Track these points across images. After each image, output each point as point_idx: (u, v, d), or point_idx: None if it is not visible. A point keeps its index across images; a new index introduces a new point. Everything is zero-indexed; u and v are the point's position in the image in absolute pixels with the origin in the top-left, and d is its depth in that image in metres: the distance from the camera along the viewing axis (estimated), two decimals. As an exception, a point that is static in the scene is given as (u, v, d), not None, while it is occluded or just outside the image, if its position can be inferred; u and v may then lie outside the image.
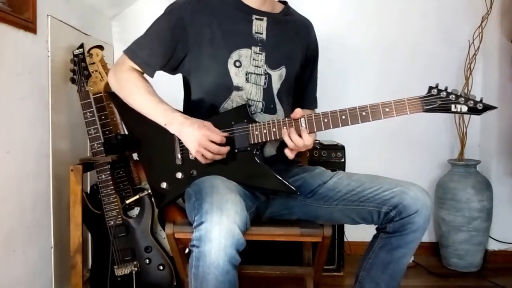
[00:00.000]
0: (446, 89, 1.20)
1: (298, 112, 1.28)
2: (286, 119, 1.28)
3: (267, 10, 1.43)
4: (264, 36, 1.41)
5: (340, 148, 2.16)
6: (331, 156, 2.14)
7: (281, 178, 1.30)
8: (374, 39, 2.49)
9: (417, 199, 1.24)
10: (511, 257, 2.41)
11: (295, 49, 1.47)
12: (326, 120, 1.26)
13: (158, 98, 1.35)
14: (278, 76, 1.42)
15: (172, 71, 1.45)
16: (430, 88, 1.21)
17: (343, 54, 2.47)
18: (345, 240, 2.28)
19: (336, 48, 2.42)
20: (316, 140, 2.21)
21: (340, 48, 2.45)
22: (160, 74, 1.43)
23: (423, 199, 1.24)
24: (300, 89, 1.55)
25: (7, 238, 1.47)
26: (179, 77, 1.50)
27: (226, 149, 1.27)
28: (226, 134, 1.28)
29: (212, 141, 1.25)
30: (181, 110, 1.45)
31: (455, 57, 2.44)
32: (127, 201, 1.68)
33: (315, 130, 1.27)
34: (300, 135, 1.27)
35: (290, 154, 1.30)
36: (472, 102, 1.18)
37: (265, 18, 1.41)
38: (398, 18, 2.49)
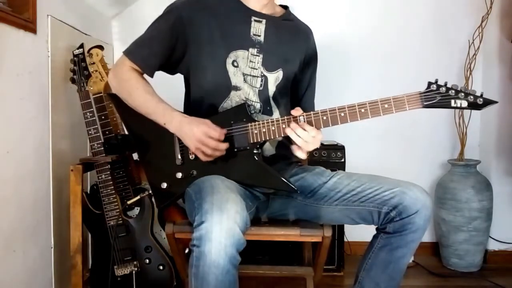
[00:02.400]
0: (445, 84, 1.18)
1: (298, 109, 1.28)
2: (285, 117, 1.28)
3: (267, 12, 1.42)
4: (262, 38, 1.40)
5: (340, 148, 2.16)
6: (331, 156, 2.14)
7: (281, 177, 1.31)
8: (374, 39, 2.49)
9: (417, 199, 1.24)
10: (511, 257, 2.41)
11: (293, 53, 1.47)
12: (325, 117, 1.25)
13: (158, 98, 1.35)
14: (274, 79, 1.42)
15: (171, 70, 1.45)
16: (429, 83, 1.19)
17: (343, 54, 2.47)
18: (345, 240, 2.28)
19: (336, 48, 2.42)
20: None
21: (340, 48, 2.45)
22: (159, 75, 1.43)
23: (423, 199, 1.24)
24: (298, 95, 1.55)
25: (7, 238, 1.47)
26: (178, 77, 1.50)
27: (225, 145, 1.27)
28: (225, 130, 1.28)
29: (210, 137, 1.25)
30: (181, 110, 1.45)
31: (455, 57, 2.44)
32: (128, 202, 1.68)
33: None
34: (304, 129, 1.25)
35: (302, 155, 1.28)
36: (472, 97, 1.17)
37: (264, 21, 1.41)
38: (398, 18, 2.49)
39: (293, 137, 1.26)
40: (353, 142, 2.28)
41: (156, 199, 1.42)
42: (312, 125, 1.26)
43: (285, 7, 1.51)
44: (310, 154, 2.11)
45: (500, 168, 2.41)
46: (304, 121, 1.26)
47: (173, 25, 1.36)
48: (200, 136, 1.25)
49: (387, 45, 2.49)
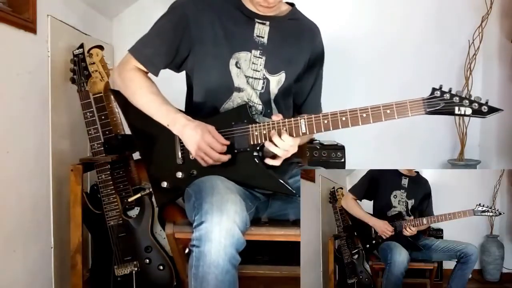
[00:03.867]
0: (450, 91, 1.16)
1: (279, 115, 1.28)
2: (286, 120, 1.27)
3: (271, 14, 1.40)
4: (265, 40, 1.39)
5: (340, 148, 2.16)
6: (331, 156, 2.14)
7: (280, 180, 1.30)
8: (374, 39, 2.49)
9: None
10: (511, 257, 2.41)
11: (297, 55, 1.45)
12: (326, 121, 1.24)
13: (162, 98, 1.35)
14: (276, 82, 1.41)
15: (177, 69, 1.45)
16: (433, 89, 1.17)
17: (344, 55, 2.46)
18: (345, 240, 2.28)
19: (336, 49, 2.41)
20: (315, 140, 2.22)
21: (340, 49, 2.44)
22: (161, 72, 1.42)
23: None
24: (303, 94, 1.53)
25: (7, 238, 1.46)
26: (179, 77, 1.50)
27: (226, 157, 1.27)
28: (227, 142, 1.28)
29: (213, 149, 1.25)
30: (183, 109, 1.45)
31: (455, 57, 2.44)
32: (129, 199, 1.68)
33: (315, 132, 1.26)
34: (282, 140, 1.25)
35: (276, 162, 1.28)
36: (476, 104, 1.15)
37: (268, 22, 1.40)
38: (399, 19, 2.49)
39: (272, 148, 1.26)
40: (353, 142, 2.27)
41: (156, 198, 1.42)
42: (313, 128, 1.25)
43: (291, 4, 1.49)
44: (310, 154, 2.12)
45: (500, 168, 2.40)
46: (305, 125, 1.25)
47: (178, 23, 1.36)
48: (203, 146, 1.25)
49: (387, 46, 2.49)
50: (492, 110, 1.15)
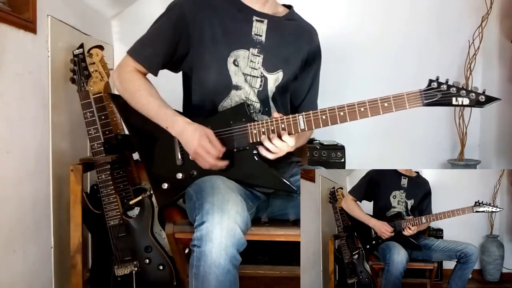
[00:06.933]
0: (447, 82, 1.16)
1: (278, 114, 1.28)
2: (284, 117, 1.27)
3: (268, 12, 1.42)
4: (263, 38, 1.40)
5: (340, 148, 2.16)
6: (331, 156, 2.14)
7: (281, 177, 1.30)
8: (373, 39, 2.49)
9: None
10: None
11: (294, 54, 1.45)
12: (324, 117, 1.24)
13: (161, 100, 1.35)
14: (274, 80, 1.41)
15: (175, 69, 1.45)
16: (430, 81, 1.17)
17: (343, 55, 2.47)
18: (345, 240, 2.28)
19: (336, 47, 2.42)
20: (315, 140, 2.23)
21: (341, 49, 2.45)
22: (160, 72, 1.42)
23: None
24: (301, 95, 1.54)
25: (7, 238, 1.47)
26: (178, 77, 1.50)
27: (222, 163, 1.28)
28: (223, 149, 1.28)
29: (209, 153, 1.25)
30: (181, 109, 1.45)
31: (455, 57, 2.44)
32: (131, 202, 1.68)
33: (314, 128, 1.26)
34: (281, 138, 1.25)
35: (270, 155, 1.28)
36: (474, 94, 1.14)
37: (265, 20, 1.40)
38: (398, 19, 2.49)
39: (269, 146, 1.26)
40: (353, 142, 2.28)
41: (157, 199, 1.42)
42: (311, 124, 1.25)
43: (289, 7, 1.50)
44: (310, 154, 2.12)
45: (500, 168, 2.41)
46: (304, 122, 1.25)
47: (176, 23, 1.36)
48: (199, 150, 1.25)
49: (387, 45, 2.49)
50: (490, 99, 1.14)
